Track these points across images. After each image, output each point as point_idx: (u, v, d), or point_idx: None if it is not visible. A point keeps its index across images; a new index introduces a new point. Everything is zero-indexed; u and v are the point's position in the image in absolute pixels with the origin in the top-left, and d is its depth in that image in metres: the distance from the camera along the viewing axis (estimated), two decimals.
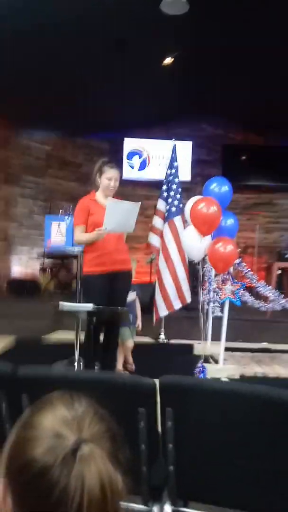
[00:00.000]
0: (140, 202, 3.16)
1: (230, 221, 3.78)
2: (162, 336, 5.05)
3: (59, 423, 0.60)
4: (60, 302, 3.28)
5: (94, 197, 3.24)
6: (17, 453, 0.58)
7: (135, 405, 1.39)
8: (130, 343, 3.74)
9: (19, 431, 0.61)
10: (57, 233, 3.66)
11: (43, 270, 7.32)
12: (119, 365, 3.70)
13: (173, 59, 5.11)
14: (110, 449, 0.59)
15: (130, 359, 3.83)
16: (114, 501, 0.56)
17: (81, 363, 3.80)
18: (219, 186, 3.78)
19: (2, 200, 7.49)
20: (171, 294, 4.54)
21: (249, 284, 4.14)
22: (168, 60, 5.15)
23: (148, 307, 4.86)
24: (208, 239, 3.65)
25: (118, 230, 3.17)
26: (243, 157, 7.85)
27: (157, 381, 1.44)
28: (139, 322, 3.85)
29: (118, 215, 3.03)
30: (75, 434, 0.58)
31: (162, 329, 5.04)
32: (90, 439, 0.58)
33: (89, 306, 2.94)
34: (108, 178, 3.17)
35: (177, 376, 1.43)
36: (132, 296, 3.57)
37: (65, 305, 3.23)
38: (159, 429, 1.48)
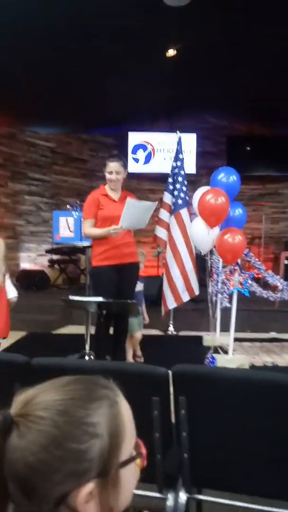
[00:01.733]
0: (156, 202, 3.22)
1: (238, 211, 3.78)
2: (171, 328, 5.08)
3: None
4: (70, 296, 3.31)
5: (104, 191, 3.29)
6: None
7: (149, 394, 1.41)
8: (138, 335, 3.77)
9: None
10: (66, 228, 3.69)
11: (51, 265, 7.36)
12: (129, 357, 3.73)
13: (176, 51, 5.07)
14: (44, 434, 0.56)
15: (139, 351, 3.86)
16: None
17: (91, 356, 3.84)
18: (227, 176, 3.76)
19: (9, 197, 7.54)
20: (179, 287, 4.55)
21: (257, 274, 4.14)
22: (171, 52, 5.12)
23: (156, 300, 4.89)
24: (216, 230, 3.65)
25: (132, 228, 3.24)
26: (248, 148, 7.82)
27: (169, 372, 1.46)
28: (145, 315, 3.87)
29: (134, 214, 3.09)
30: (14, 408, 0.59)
31: (171, 321, 5.06)
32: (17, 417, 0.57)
33: (99, 299, 2.97)
34: (109, 172, 3.23)
35: (190, 365, 1.45)
36: (139, 286, 3.58)
37: (75, 298, 3.26)
38: (173, 417, 1.50)
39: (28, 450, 0.55)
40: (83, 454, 0.57)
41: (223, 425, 1.44)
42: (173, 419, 1.50)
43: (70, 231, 3.60)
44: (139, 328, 3.76)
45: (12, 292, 3.49)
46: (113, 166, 3.23)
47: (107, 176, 3.25)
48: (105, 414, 0.61)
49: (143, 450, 0.66)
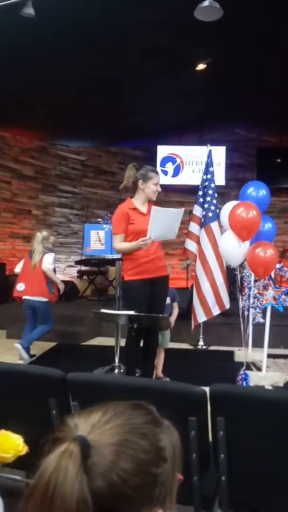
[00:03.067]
0: (183, 208, 3.16)
1: (268, 225, 3.72)
2: (201, 342, 5.01)
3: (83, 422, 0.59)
4: (102, 310, 3.32)
5: (133, 205, 3.24)
6: None
7: (186, 414, 1.39)
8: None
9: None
10: (96, 241, 3.74)
11: (80, 276, 7.44)
12: (159, 372, 3.68)
13: (205, 65, 5.10)
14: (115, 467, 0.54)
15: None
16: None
17: (121, 369, 3.83)
18: (257, 190, 3.73)
19: (40, 209, 7.70)
20: (209, 300, 4.50)
21: None
22: (201, 66, 5.15)
23: (186, 312, 4.84)
24: (247, 244, 3.60)
25: (162, 238, 3.15)
26: (278, 160, 7.72)
27: (206, 389, 1.43)
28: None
29: (162, 223, 3.01)
30: (83, 431, 0.56)
31: (201, 336, 5.00)
32: (95, 442, 0.55)
33: (130, 313, 2.96)
34: (155, 183, 3.21)
35: (228, 385, 1.42)
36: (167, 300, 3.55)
37: (106, 311, 3.27)
38: (210, 438, 1.47)
39: (114, 473, 0.53)
40: (158, 479, 0.57)
41: (262, 448, 1.40)
42: (210, 439, 1.47)
43: (101, 244, 3.63)
44: (168, 342, 3.71)
45: (45, 263, 4.27)
46: (159, 178, 3.25)
47: (153, 188, 3.20)
48: (167, 439, 0.61)
49: (180, 476, 0.65)
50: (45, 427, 0.62)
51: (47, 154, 7.74)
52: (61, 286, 4.44)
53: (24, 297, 4.31)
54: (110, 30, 4.10)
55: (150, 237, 2.98)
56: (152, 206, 3.03)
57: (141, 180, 3.19)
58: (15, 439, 1.13)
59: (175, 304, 3.76)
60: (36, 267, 4.31)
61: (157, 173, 3.26)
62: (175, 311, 3.74)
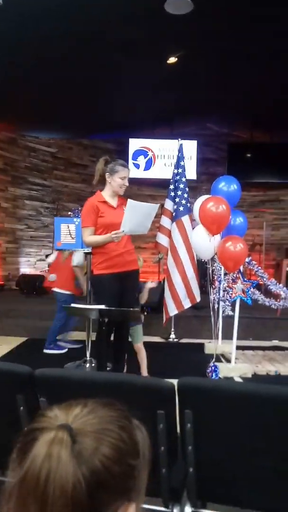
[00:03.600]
0: (158, 204, 3.16)
1: (239, 220, 3.77)
2: (172, 335, 5.06)
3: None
4: (72, 304, 3.29)
5: (102, 198, 3.22)
6: None
7: (155, 407, 1.39)
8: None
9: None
10: (67, 235, 3.68)
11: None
12: (144, 372, 3.53)
13: (177, 58, 5.09)
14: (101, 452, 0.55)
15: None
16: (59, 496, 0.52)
17: (93, 363, 3.82)
18: (228, 185, 3.77)
19: (9, 202, 7.54)
20: (181, 294, 4.53)
21: (260, 282, 4.13)
22: (172, 60, 5.14)
23: (157, 306, 4.87)
24: (217, 238, 3.64)
25: (134, 232, 3.14)
26: (249, 155, 7.83)
27: (174, 382, 1.44)
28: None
29: (136, 217, 3.00)
30: (66, 420, 0.57)
31: (172, 329, 5.04)
32: (79, 430, 0.56)
33: (101, 307, 2.94)
34: (121, 177, 3.16)
35: (196, 378, 1.43)
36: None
37: (77, 306, 3.24)
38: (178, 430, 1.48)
39: (97, 459, 0.54)
40: (134, 471, 0.58)
41: (229, 439, 1.42)
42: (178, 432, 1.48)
43: (72, 238, 3.58)
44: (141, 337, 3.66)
45: (74, 262, 4.40)
46: (127, 172, 3.18)
47: (119, 181, 3.16)
48: (140, 435, 0.62)
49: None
50: (13, 424, 0.61)
51: (17, 146, 7.57)
52: (84, 288, 4.44)
53: (53, 288, 4.53)
54: (81, 22, 4.03)
55: (123, 231, 2.97)
56: (129, 200, 3.01)
57: (108, 174, 3.17)
58: None
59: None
60: (65, 261, 4.50)
61: (125, 167, 3.20)
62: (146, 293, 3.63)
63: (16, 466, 0.55)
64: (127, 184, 3.19)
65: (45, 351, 4.46)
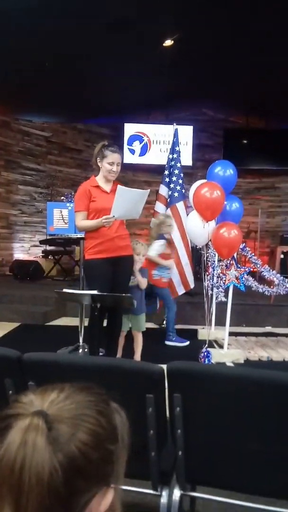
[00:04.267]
0: (149, 190, 3.12)
1: (235, 205, 3.75)
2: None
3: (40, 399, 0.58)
4: (64, 289, 3.27)
5: (96, 182, 3.19)
6: None
7: (144, 391, 1.38)
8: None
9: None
10: (60, 220, 3.64)
11: (45, 256, 7.31)
12: (138, 357, 3.52)
13: (173, 41, 5.00)
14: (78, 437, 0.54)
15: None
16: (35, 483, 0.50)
17: (85, 349, 3.81)
18: (223, 170, 3.73)
19: (3, 187, 7.45)
20: (175, 280, 4.53)
21: (253, 269, 4.12)
22: (168, 43, 5.04)
23: (151, 292, 4.85)
24: (212, 224, 3.62)
25: (125, 217, 3.13)
26: (245, 141, 7.77)
27: (164, 367, 1.43)
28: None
29: (126, 203, 2.98)
30: (34, 406, 0.56)
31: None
32: (55, 416, 0.55)
33: (93, 292, 2.93)
34: (109, 162, 3.11)
35: (185, 362, 1.42)
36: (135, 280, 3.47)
37: (69, 291, 3.22)
38: (167, 414, 1.48)
39: (73, 444, 0.53)
40: (112, 456, 0.57)
41: (218, 423, 1.42)
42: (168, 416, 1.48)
43: (65, 223, 3.55)
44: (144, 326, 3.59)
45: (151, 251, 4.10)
46: (116, 157, 3.13)
47: (107, 167, 3.12)
48: (118, 420, 0.61)
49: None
50: (2, 408, 0.59)
51: (10, 130, 7.45)
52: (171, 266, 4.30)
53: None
54: (76, 3, 3.93)
55: (113, 216, 2.96)
56: (118, 185, 2.98)
57: (99, 158, 3.14)
58: None
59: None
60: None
61: (115, 152, 3.13)
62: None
63: None
64: (114, 169, 3.13)
65: (167, 343, 4.35)
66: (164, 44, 5.05)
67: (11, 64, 5.18)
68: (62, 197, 4.48)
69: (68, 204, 3.51)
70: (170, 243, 4.36)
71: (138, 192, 3.05)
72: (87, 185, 3.18)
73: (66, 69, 5.51)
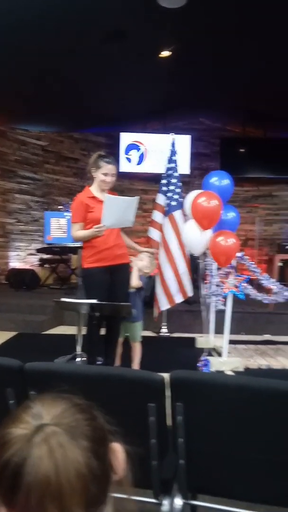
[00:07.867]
0: (138, 197, 3.14)
1: (231, 215, 3.77)
2: (164, 330, 5.05)
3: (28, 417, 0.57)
4: (62, 298, 3.27)
5: (91, 193, 3.21)
6: None
7: (145, 400, 1.38)
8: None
9: None
10: (57, 229, 3.65)
11: (42, 264, 7.30)
12: (136, 366, 3.50)
13: (170, 52, 5.06)
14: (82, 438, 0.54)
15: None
16: (71, 487, 0.50)
17: (83, 358, 3.80)
18: (220, 180, 3.76)
19: None
20: (172, 288, 4.53)
21: (252, 277, 4.14)
22: (165, 53, 5.10)
23: (149, 301, 4.85)
24: (209, 232, 3.64)
25: (117, 226, 3.13)
26: (242, 150, 7.83)
27: (165, 375, 1.44)
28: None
29: (116, 211, 3.00)
30: (37, 421, 0.55)
31: (164, 323, 5.03)
32: (54, 423, 0.55)
33: (91, 301, 2.93)
34: (104, 173, 3.14)
35: (188, 371, 1.42)
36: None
37: (67, 300, 3.22)
38: (169, 423, 1.48)
39: (77, 462, 0.52)
40: (109, 473, 0.57)
41: (220, 431, 1.42)
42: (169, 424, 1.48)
43: (63, 232, 3.56)
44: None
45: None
46: (110, 168, 3.15)
47: (102, 177, 3.14)
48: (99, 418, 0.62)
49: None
50: (3, 417, 0.59)
51: (6, 139, 7.47)
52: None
53: None
54: (73, 9, 3.97)
55: (104, 225, 2.97)
56: (106, 194, 3.01)
57: (93, 168, 3.16)
58: None
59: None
60: None
61: (109, 163, 3.16)
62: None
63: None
64: (109, 180, 3.15)
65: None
66: (160, 55, 5.11)
67: (8, 74, 5.22)
68: (59, 206, 4.49)
69: (65, 214, 3.51)
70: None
71: (126, 199, 3.07)
72: (83, 197, 3.21)
73: (63, 80, 5.55)
